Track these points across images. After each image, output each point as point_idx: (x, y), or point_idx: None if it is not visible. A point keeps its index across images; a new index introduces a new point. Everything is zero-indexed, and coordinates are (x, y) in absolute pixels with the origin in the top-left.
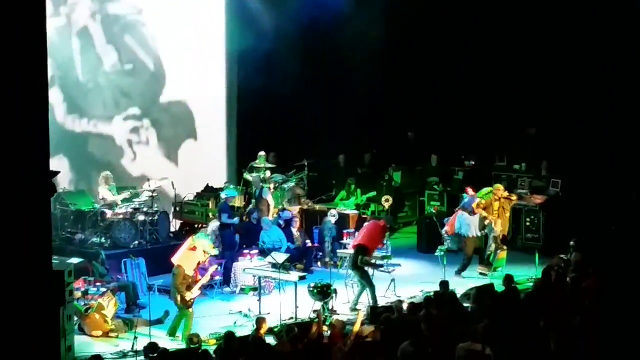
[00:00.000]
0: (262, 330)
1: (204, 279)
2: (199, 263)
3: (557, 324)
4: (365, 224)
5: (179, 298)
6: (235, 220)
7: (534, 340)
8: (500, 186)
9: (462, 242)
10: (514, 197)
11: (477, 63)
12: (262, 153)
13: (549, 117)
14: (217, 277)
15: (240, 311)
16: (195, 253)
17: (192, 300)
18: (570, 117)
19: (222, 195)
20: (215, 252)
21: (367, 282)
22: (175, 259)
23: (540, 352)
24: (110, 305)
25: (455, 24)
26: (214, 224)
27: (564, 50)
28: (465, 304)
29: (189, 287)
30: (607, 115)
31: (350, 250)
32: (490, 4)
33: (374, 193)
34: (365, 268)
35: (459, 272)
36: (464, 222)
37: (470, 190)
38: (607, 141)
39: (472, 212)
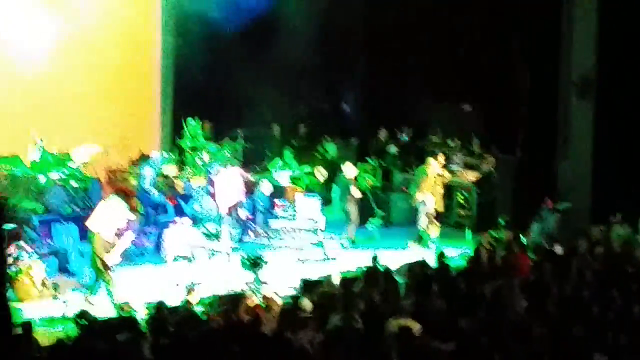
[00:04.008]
0: (193, 301)
1: (122, 244)
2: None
3: (488, 300)
4: None
5: (98, 263)
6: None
7: (464, 316)
8: (434, 161)
9: None
10: (446, 176)
11: (415, 36)
12: (191, 123)
13: (485, 93)
14: (148, 245)
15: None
16: (111, 217)
17: (111, 266)
18: (504, 94)
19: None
20: (132, 216)
21: None
22: (89, 224)
23: (472, 328)
24: (37, 269)
25: None
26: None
27: (501, 26)
28: (398, 280)
29: (107, 252)
30: (540, 93)
31: (283, 223)
32: None
33: (308, 167)
34: None
35: None
36: None
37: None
38: (540, 121)
39: None
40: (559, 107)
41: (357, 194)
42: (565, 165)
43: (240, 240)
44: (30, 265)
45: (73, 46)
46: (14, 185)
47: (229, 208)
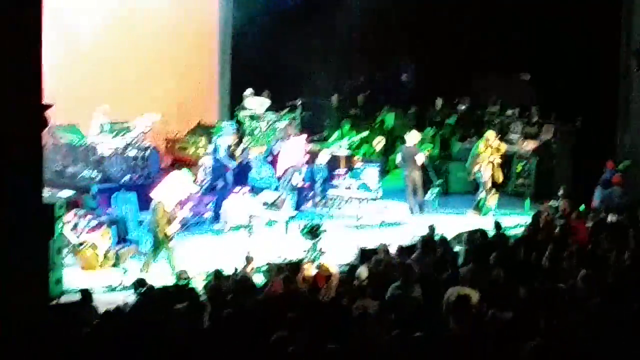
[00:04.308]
0: (250, 269)
1: (182, 213)
2: (181, 200)
3: (546, 269)
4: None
5: (159, 233)
6: (233, 163)
7: (522, 284)
8: (491, 134)
9: None
10: (502, 148)
11: (472, 4)
12: (248, 92)
13: (544, 61)
14: (208, 214)
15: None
16: (175, 189)
17: (172, 235)
18: (564, 62)
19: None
20: (196, 188)
21: None
22: (154, 194)
23: (528, 297)
24: (103, 241)
25: None
26: (206, 161)
27: None
28: (455, 248)
29: (169, 222)
30: (600, 62)
31: (341, 192)
32: None
33: (366, 133)
34: None
35: None
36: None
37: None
38: (600, 88)
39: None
40: (619, 76)
41: (421, 160)
42: (625, 134)
43: (298, 209)
44: (95, 241)
45: (132, 17)
46: (73, 153)
47: (284, 171)
